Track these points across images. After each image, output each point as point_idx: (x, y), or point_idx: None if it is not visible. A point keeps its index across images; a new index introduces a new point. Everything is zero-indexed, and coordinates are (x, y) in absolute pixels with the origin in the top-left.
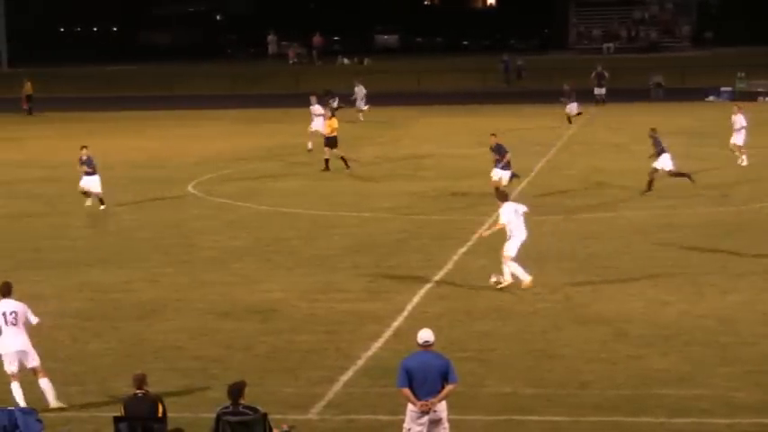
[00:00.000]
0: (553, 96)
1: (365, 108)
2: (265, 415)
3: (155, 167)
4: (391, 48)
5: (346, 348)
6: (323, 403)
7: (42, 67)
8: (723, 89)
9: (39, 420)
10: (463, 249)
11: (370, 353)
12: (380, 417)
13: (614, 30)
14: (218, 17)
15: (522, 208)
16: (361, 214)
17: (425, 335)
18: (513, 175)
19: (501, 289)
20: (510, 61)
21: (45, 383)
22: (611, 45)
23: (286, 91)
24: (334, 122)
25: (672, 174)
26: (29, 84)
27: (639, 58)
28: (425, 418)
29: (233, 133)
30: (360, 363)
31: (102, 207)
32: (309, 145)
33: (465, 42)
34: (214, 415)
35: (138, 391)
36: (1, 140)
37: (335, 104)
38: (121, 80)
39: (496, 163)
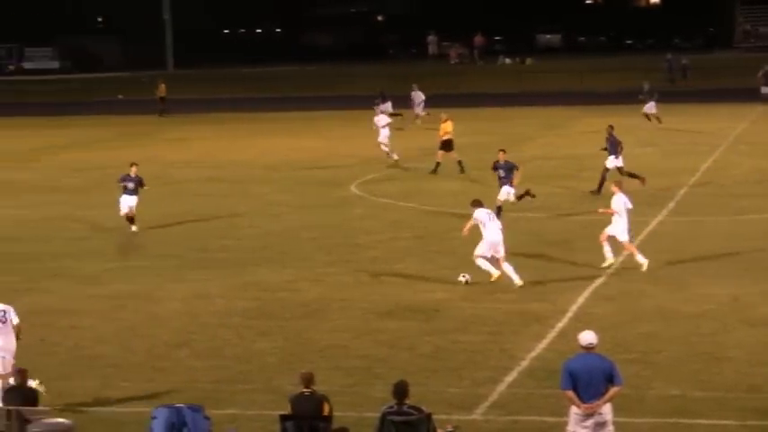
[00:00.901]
0: (719, 96)
1: (423, 113)
2: (430, 415)
3: (317, 168)
4: (554, 47)
5: (510, 349)
6: (487, 404)
7: (207, 69)
8: None
9: (206, 417)
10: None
11: (534, 353)
12: (545, 418)
13: None
14: (378, 17)
15: (498, 223)
16: (524, 214)
17: (589, 337)
18: (527, 194)
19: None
20: (674, 60)
21: None
22: None
23: (446, 91)
24: (449, 125)
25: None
26: (163, 86)
27: None
28: (590, 421)
29: (394, 133)
30: (524, 363)
31: (134, 228)
32: (394, 156)
33: (628, 41)
34: (379, 414)
35: (305, 390)
36: (168, 141)
37: (389, 109)
38: (284, 81)
39: (501, 181)
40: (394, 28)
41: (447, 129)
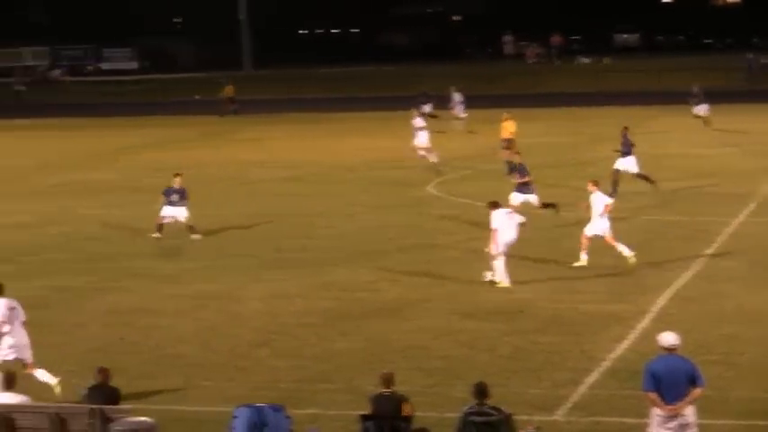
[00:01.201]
0: None
1: (463, 115)
2: (510, 416)
3: (394, 168)
4: (631, 47)
5: (591, 350)
6: (568, 405)
7: (283, 69)
8: None
9: (287, 417)
10: (709, 250)
11: (614, 354)
12: (627, 419)
13: None
14: (455, 17)
15: (519, 218)
16: None
17: (671, 338)
18: (550, 205)
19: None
20: (754, 60)
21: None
22: None
23: (524, 91)
24: (512, 125)
25: (637, 176)
26: (230, 87)
27: None
28: (674, 423)
29: (471, 133)
30: (605, 364)
31: (195, 236)
32: (433, 158)
33: (707, 41)
34: (459, 415)
35: (385, 390)
36: (243, 141)
37: (428, 110)
38: (360, 81)
39: (518, 184)
40: (470, 28)
41: (510, 128)
